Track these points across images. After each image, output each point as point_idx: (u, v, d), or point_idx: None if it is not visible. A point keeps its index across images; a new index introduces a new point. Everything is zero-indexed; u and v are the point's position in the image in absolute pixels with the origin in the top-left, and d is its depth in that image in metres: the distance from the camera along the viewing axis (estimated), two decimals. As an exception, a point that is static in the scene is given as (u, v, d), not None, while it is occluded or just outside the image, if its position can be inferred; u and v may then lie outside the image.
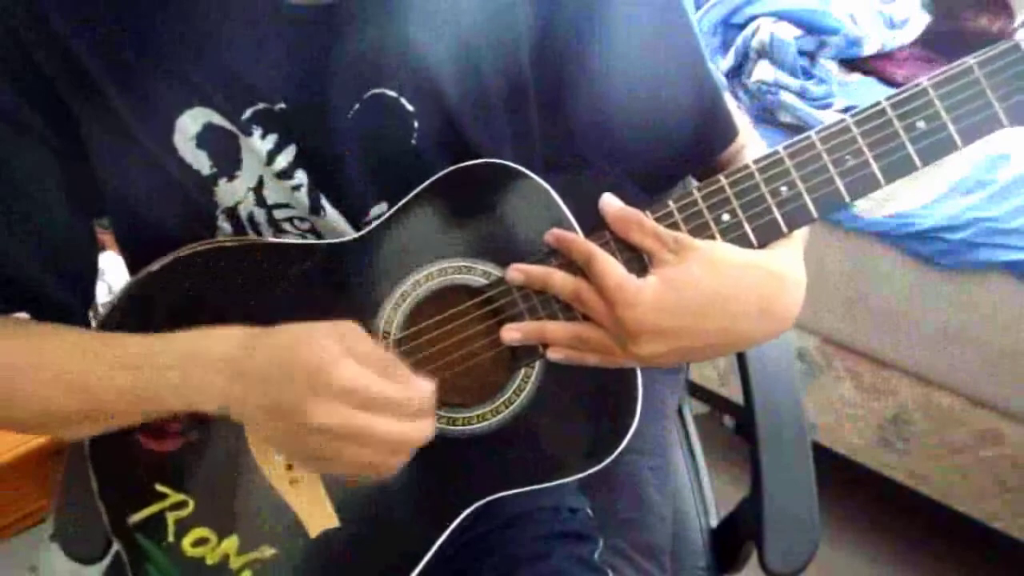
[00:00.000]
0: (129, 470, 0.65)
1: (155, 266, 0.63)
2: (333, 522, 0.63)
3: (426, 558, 0.62)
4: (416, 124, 0.63)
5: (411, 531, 0.63)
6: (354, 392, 0.54)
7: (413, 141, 0.64)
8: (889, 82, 1.55)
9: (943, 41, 1.59)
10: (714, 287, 0.56)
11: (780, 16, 1.50)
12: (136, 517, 0.64)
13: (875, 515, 1.64)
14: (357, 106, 0.62)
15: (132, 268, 0.68)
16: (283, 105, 0.61)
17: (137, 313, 0.63)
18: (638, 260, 0.60)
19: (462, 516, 0.63)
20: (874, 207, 1.39)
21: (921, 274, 1.37)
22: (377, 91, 0.62)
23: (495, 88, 0.64)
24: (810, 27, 1.51)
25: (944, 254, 1.33)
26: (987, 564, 1.53)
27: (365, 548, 0.63)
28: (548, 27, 0.64)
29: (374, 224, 0.64)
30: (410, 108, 0.63)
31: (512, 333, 0.61)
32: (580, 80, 0.66)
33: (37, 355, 0.62)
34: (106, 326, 0.64)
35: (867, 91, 1.54)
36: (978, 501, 1.44)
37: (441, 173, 0.62)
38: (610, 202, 0.60)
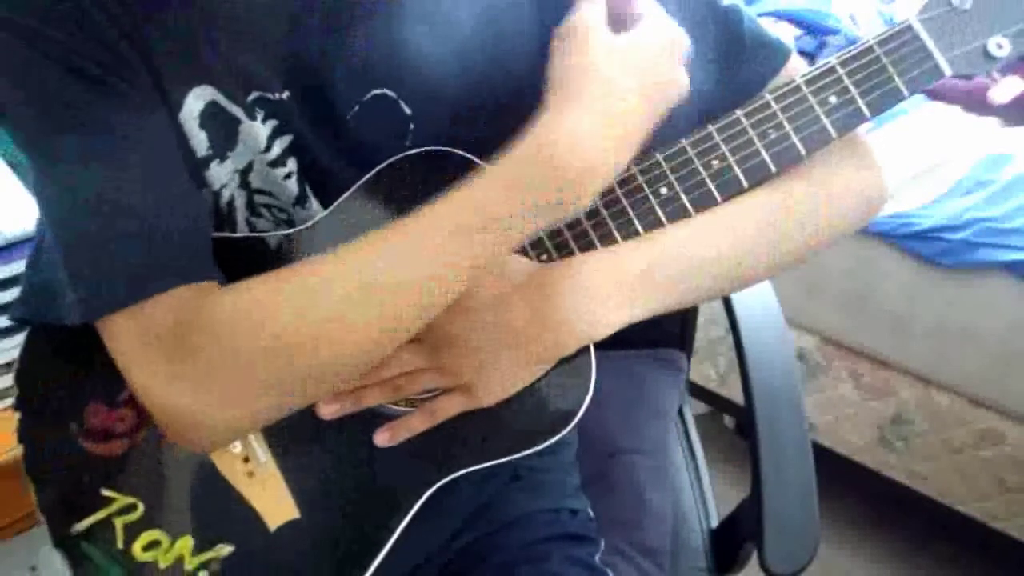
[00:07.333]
0: (71, 476, 0.62)
1: None
2: (294, 514, 0.62)
3: (391, 541, 0.61)
4: (412, 127, 0.63)
5: (375, 516, 0.62)
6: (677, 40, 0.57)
7: (407, 143, 0.63)
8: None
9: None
10: (469, 334, 0.60)
11: (780, 16, 1.51)
12: (81, 525, 0.62)
13: (875, 515, 1.64)
14: (357, 108, 0.62)
15: None
16: (286, 95, 0.60)
17: None
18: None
19: (425, 497, 0.62)
20: (874, 207, 1.39)
21: (921, 274, 1.37)
22: (378, 92, 0.62)
23: (502, 91, 0.64)
24: (811, 27, 1.51)
25: (944, 254, 1.34)
26: (987, 564, 1.53)
27: (327, 537, 0.62)
28: (554, 28, 0.64)
29: (322, 214, 0.62)
30: (407, 111, 0.63)
31: (383, 436, 0.62)
32: None
33: (341, 266, 0.54)
34: (63, 338, 0.62)
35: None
36: (978, 501, 1.44)
37: (385, 163, 0.61)
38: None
